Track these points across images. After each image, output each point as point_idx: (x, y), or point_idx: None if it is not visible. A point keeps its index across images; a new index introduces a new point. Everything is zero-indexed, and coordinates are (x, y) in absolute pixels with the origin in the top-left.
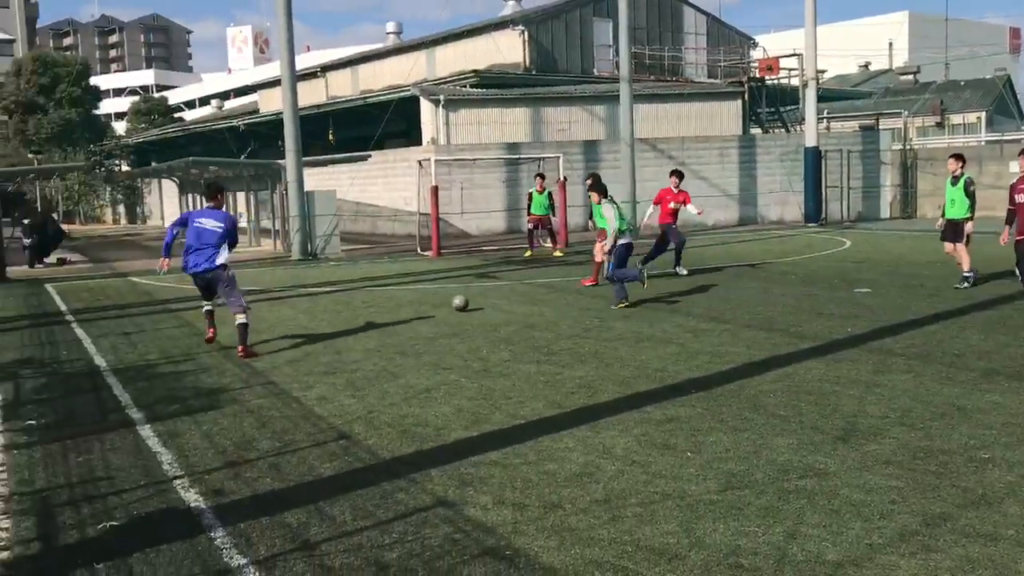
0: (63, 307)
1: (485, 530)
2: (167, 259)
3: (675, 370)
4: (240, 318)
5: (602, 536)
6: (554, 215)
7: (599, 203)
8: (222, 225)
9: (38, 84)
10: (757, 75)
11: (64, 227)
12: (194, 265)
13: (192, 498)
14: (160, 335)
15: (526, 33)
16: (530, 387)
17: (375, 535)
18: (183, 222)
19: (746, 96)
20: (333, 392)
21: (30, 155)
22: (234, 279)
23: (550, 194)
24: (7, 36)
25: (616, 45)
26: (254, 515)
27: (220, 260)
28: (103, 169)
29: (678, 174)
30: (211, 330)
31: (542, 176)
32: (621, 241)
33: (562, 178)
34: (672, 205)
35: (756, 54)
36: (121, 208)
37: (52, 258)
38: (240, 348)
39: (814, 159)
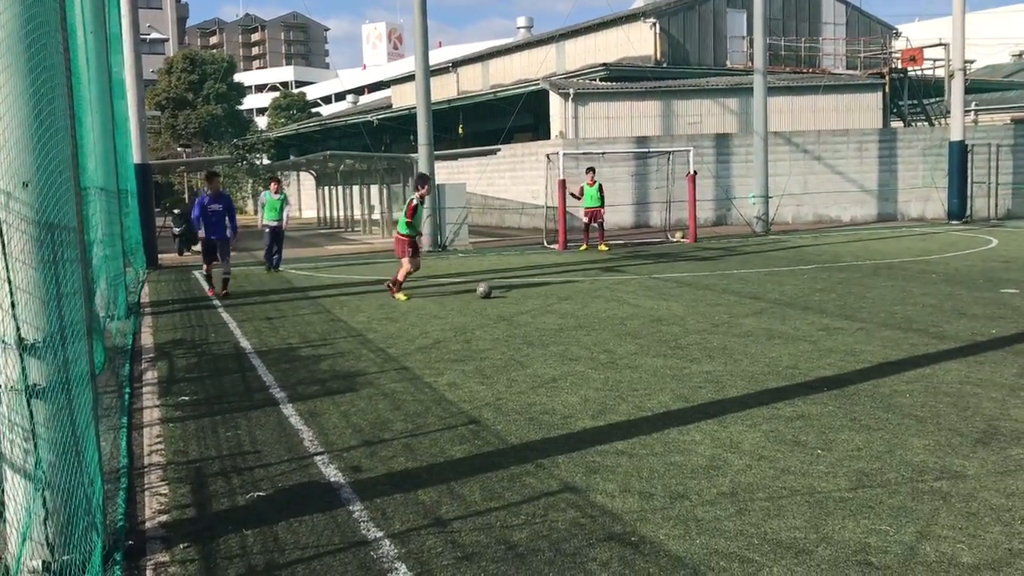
0: (210, 292)
1: (611, 516)
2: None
3: (806, 368)
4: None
5: (728, 528)
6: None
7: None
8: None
9: (187, 81)
10: (899, 66)
11: None
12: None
13: (332, 473)
14: (300, 320)
15: (657, 25)
16: (657, 380)
17: (504, 516)
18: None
19: (887, 88)
20: (463, 379)
21: (179, 148)
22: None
23: (600, 187)
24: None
25: (750, 36)
26: (389, 492)
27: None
28: (245, 162)
29: None
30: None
31: (593, 170)
32: None
33: (692, 172)
34: None
35: (899, 44)
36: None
37: (199, 246)
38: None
39: (959, 154)
